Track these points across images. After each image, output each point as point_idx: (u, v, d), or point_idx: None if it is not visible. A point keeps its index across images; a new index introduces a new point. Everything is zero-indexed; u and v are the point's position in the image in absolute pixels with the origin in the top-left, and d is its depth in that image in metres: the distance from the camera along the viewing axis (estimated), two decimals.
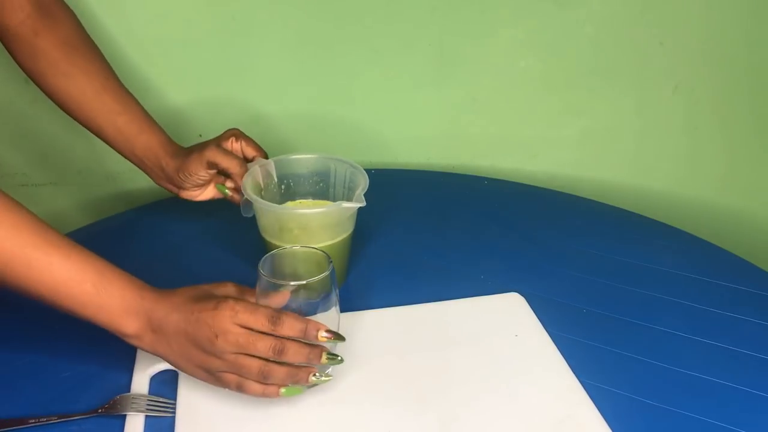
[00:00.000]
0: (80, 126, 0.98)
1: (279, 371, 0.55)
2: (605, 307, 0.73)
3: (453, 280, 0.76)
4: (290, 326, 0.55)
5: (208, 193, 0.79)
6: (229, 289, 0.59)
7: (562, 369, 0.63)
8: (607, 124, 1.06)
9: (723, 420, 0.59)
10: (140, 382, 0.61)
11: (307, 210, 0.74)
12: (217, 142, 0.77)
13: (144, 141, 0.77)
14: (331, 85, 1.01)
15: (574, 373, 0.62)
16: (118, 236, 0.88)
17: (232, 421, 0.58)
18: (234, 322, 0.54)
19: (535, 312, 0.70)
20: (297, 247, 0.62)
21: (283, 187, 0.79)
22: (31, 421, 0.57)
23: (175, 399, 0.60)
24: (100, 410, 0.58)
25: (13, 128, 0.96)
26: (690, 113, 1.05)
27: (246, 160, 0.77)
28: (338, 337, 0.57)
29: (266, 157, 0.78)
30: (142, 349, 0.57)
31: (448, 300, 0.72)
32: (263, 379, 0.55)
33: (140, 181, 1.03)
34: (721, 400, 0.61)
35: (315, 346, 0.56)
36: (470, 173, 1.07)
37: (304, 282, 0.57)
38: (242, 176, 0.74)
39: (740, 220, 1.11)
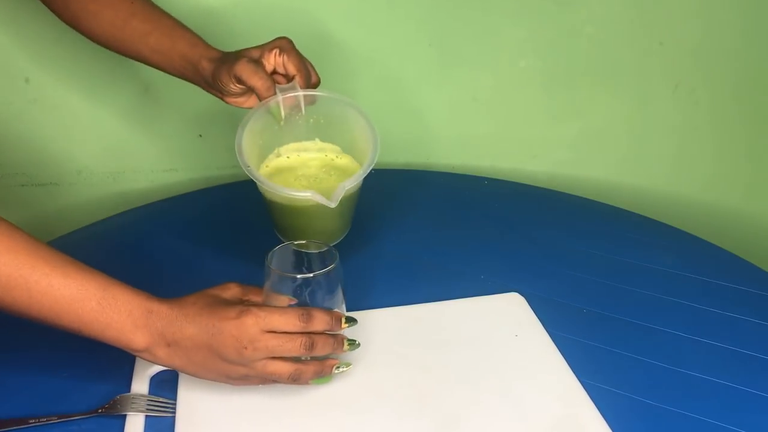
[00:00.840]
0: (80, 126, 0.99)
1: (307, 372, 0.56)
2: (605, 307, 0.73)
3: (453, 280, 0.76)
4: (320, 320, 0.56)
5: (254, 101, 0.73)
6: (234, 290, 0.59)
7: (562, 369, 0.63)
8: (606, 124, 1.06)
9: (723, 420, 0.59)
10: (140, 382, 0.61)
11: (286, 191, 0.65)
12: (255, 53, 0.70)
13: (179, 52, 0.73)
14: (331, 85, 1.01)
15: (574, 373, 0.62)
16: (118, 236, 0.88)
17: (232, 420, 0.57)
18: (261, 328, 0.53)
19: (535, 312, 0.70)
20: (304, 242, 0.62)
21: (311, 121, 0.72)
22: (31, 421, 0.57)
23: (175, 399, 0.60)
24: (100, 410, 0.58)
25: (13, 128, 0.96)
26: (689, 113, 1.05)
27: (288, 79, 0.71)
28: (353, 320, 0.59)
29: (310, 80, 0.71)
30: (155, 363, 0.56)
31: (448, 300, 0.72)
32: (294, 382, 0.56)
33: (140, 181, 1.04)
34: (721, 400, 0.61)
35: (336, 336, 0.58)
36: (470, 173, 1.07)
37: (311, 275, 0.57)
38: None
39: (740, 219, 1.11)
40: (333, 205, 0.63)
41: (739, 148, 1.08)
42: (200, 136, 1.02)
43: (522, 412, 0.58)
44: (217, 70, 0.70)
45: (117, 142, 1.00)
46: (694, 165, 1.09)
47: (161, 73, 0.96)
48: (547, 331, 0.68)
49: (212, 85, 0.72)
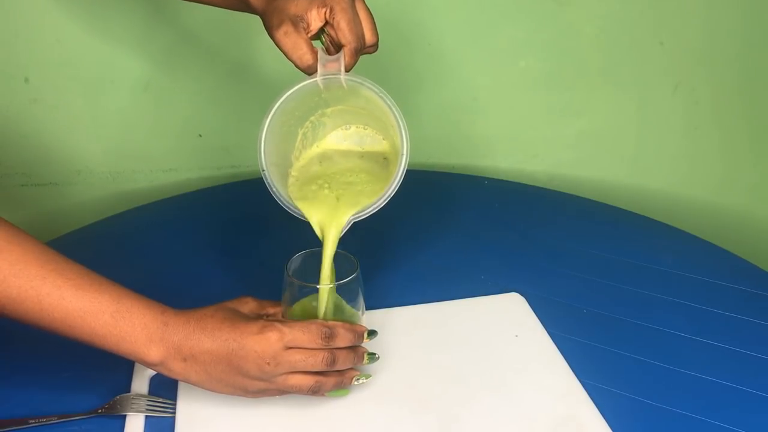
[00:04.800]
0: (80, 126, 0.99)
1: (328, 384, 0.56)
2: (605, 307, 0.73)
3: (453, 280, 0.76)
4: (343, 337, 0.55)
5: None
6: (252, 304, 0.59)
7: (562, 369, 0.63)
8: (607, 124, 1.06)
9: (723, 420, 0.59)
10: (140, 382, 0.61)
11: (294, 211, 0.59)
12: (301, 4, 0.57)
13: None
14: None
15: (574, 373, 0.62)
16: (118, 236, 0.88)
17: (232, 421, 0.57)
18: (284, 344, 0.53)
19: (535, 312, 0.70)
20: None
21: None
22: (31, 421, 0.57)
23: (174, 399, 0.60)
24: (100, 410, 0.58)
25: (13, 128, 0.96)
26: (690, 113, 1.05)
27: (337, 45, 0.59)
28: (375, 333, 0.59)
29: (362, 45, 0.60)
30: (168, 376, 0.54)
31: (448, 300, 0.72)
32: (313, 394, 0.56)
33: (140, 181, 1.04)
34: (721, 400, 0.61)
35: (357, 348, 0.57)
36: (470, 173, 1.06)
37: (331, 285, 0.57)
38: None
39: (740, 219, 1.11)
40: (334, 240, 0.59)
41: (740, 148, 1.08)
42: (200, 136, 1.02)
43: (522, 412, 0.58)
44: (263, 18, 0.60)
45: (117, 142, 1.00)
46: (694, 165, 1.09)
47: (161, 72, 0.97)
48: (547, 331, 0.68)
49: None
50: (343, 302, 0.60)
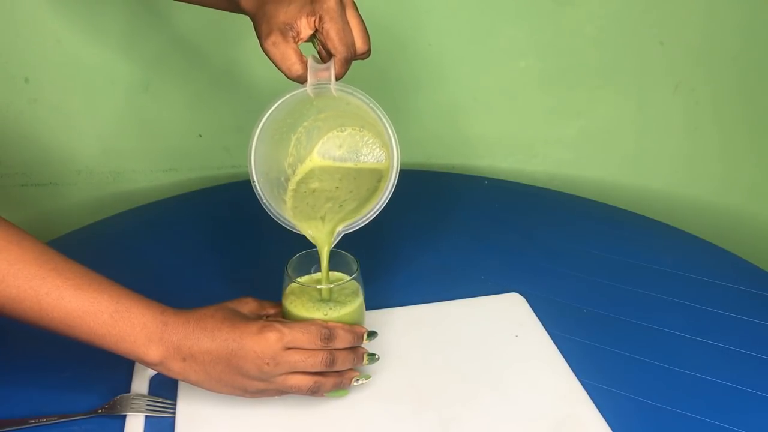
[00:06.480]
0: (80, 126, 0.99)
1: (327, 384, 0.56)
2: (605, 307, 0.73)
3: (453, 280, 0.76)
4: (342, 339, 0.56)
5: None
6: (252, 304, 0.59)
7: (563, 369, 0.63)
8: (607, 124, 1.06)
9: (723, 420, 0.59)
10: (140, 382, 0.61)
11: (290, 226, 0.59)
12: (291, 12, 0.56)
13: None
14: None
15: (575, 373, 0.62)
16: (118, 236, 0.88)
17: (232, 421, 0.58)
18: (283, 345, 0.53)
19: (535, 312, 0.70)
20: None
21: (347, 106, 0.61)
22: (31, 421, 0.57)
23: (174, 399, 0.60)
24: (100, 410, 0.58)
25: (13, 128, 0.96)
26: (690, 113, 1.05)
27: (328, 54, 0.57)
28: (374, 334, 0.59)
29: (353, 54, 0.57)
30: (168, 376, 0.54)
31: (449, 300, 0.72)
32: (313, 394, 0.56)
33: (140, 181, 1.04)
34: (721, 400, 0.61)
35: (357, 349, 0.58)
36: (470, 173, 1.06)
37: (332, 285, 0.57)
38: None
39: (740, 219, 1.11)
40: (326, 250, 0.60)
41: (740, 147, 1.08)
42: (200, 136, 1.02)
43: (522, 412, 0.58)
44: (253, 22, 0.59)
45: (117, 142, 1.00)
46: (694, 165, 1.09)
47: (161, 73, 0.97)
48: (547, 331, 0.68)
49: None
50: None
